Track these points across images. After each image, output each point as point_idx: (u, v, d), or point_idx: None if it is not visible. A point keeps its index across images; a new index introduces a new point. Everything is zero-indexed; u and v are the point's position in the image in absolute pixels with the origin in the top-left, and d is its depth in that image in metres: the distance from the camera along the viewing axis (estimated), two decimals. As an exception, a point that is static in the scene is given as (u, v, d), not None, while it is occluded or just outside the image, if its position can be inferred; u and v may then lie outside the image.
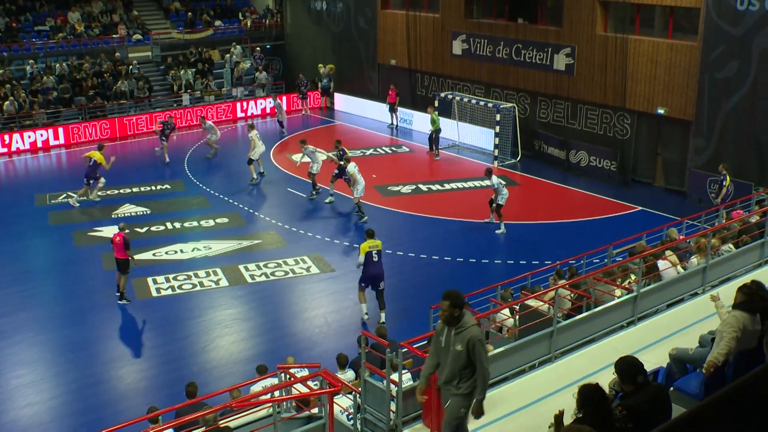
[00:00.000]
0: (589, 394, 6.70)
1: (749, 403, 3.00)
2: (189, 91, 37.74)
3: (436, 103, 32.12)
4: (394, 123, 35.60)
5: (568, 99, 29.39)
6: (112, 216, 24.56)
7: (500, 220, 22.85)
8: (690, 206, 23.90)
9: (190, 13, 42.17)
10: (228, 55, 40.28)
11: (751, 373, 3.21)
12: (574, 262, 17.10)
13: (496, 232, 22.82)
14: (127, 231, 19.40)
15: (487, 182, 23.18)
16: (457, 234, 23.05)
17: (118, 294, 18.96)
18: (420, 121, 34.40)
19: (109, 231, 23.12)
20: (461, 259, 21.19)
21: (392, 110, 35.58)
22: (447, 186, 27.19)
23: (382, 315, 17.69)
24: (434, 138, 30.48)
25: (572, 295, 13.02)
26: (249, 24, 42.69)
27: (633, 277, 13.59)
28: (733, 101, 24.29)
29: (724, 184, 22.48)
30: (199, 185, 27.55)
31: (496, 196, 22.78)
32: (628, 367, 7.30)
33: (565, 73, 29.18)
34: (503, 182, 23.32)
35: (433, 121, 30.33)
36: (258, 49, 41.53)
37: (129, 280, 19.24)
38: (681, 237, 16.49)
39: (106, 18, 40.21)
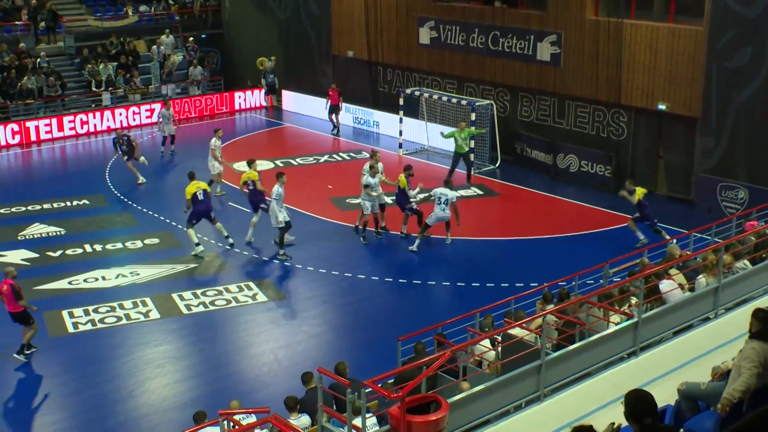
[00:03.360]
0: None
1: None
2: (110, 88, 37.48)
3: (402, 101, 32.21)
4: (337, 128, 35.27)
5: (555, 94, 29.63)
6: (18, 238, 24.25)
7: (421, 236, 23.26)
8: (698, 217, 24.16)
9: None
10: (156, 47, 40.10)
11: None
12: (564, 283, 17.17)
13: (410, 248, 23.17)
14: (15, 276, 18.12)
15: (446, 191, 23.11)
16: (427, 253, 23.08)
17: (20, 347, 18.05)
18: (386, 123, 34.48)
19: (15, 256, 22.92)
20: (433, 282, 21.23)
21: (334, 113, 35.29)
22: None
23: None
24: (467, 161, 28.88)
25: (563, 322, 13.09)
26: (196, 11, 42.60)
27: (633, 300, 13.69)
28: (746, 94, 24.66)
29: (634, 198, 22.58)
30: (124, 200, 27.32)
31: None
32: (636, 402, 7.34)
33: (551, 65, 29.43)
34: (444, 197, 23.12)
35: (465, 139, 28.43)
36: (191, 39, 41.42)
37: (41, 319, 18.90)
38: (685, 252, 16.65)
39: (6, 1, 39.81)
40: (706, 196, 25.48)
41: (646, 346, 12.26)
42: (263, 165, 30.62)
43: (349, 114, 36.25)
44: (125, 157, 28.91)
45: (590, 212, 26.05)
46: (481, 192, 27.97)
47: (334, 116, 35.31)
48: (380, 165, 24.54)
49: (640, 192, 22.73)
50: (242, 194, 25.25)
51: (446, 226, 23.28)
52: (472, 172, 29.01)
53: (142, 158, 29.16)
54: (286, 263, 22.43)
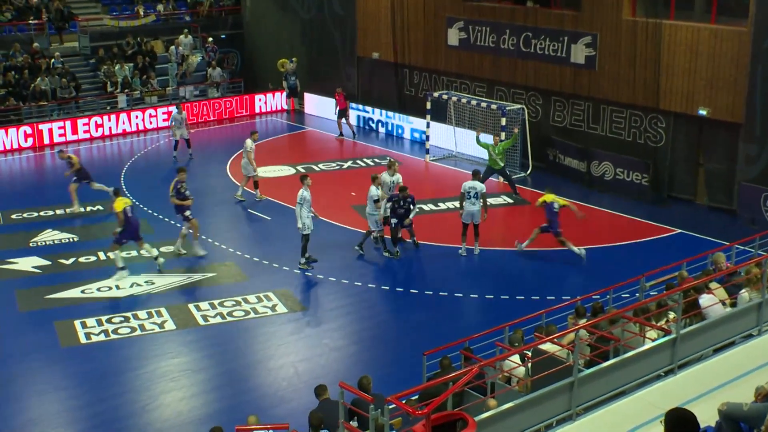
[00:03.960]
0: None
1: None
2: (126, 90, 37.69)
3: (429, 105, 32.18)
4: (352, 132, 35.37)
5: (589, 98, 29.53)
6: (30, 244, 24.39)
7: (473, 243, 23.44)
8: (740, 228, 23.99)
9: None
10: (174, 47, 40.30)
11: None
12: (598, 297, 17.09)
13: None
14: None
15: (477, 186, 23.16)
16: (454, 264, 23.03)
17: None
18: (412, 128, 34.50)
19: (26, 263, 23.06)
20: (460, 295, 21.17)
21: (342, 117, 35.39)
22: (442, 205, 27.21)
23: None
24: (504, 175, 28.35)
25: (596, 337, 13.02)
26: (204, 11, 42.81)
27: (671, 315, 13.59)
28: (793, 99, 24.51)
29: (555, 209, 22.71)
30: (140, 205, 27.38)
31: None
32: (677, 422, 7.26)
33: (585, 67, 29.34)
34: (474, 190, 23.11)
35: (500, 154, 27.75)
36: (211, 39, 41.59)
37: (52, 328, 18.96)
38: (728, 265, 16.54)
39: (20, 0, 40.14)
40: (749, 206, 25.29)
41: (684, 364, 12.17)
42: (285, 170, 30.77)
43: (373, 118, 36.34)
44: (73, 179, 27.33)
45: (626, 222, 25.92)
46: (510, 200, 27.90)
47: (343, 120, 35.37)
48: (398, 176, 24.38)
49: (558, 200, 22.96)
50: (263, 201, 25.51)
51: (475, 234, 23.19)
52: (514, 182, 28.66)
53: (96, 186, 27.74)
54: (307, 273, 22.43)
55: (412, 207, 23.34)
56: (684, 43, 26.69)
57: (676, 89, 27.03)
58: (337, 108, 35.46)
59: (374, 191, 23.28)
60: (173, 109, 33.71)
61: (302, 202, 22.19)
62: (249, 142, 27.88)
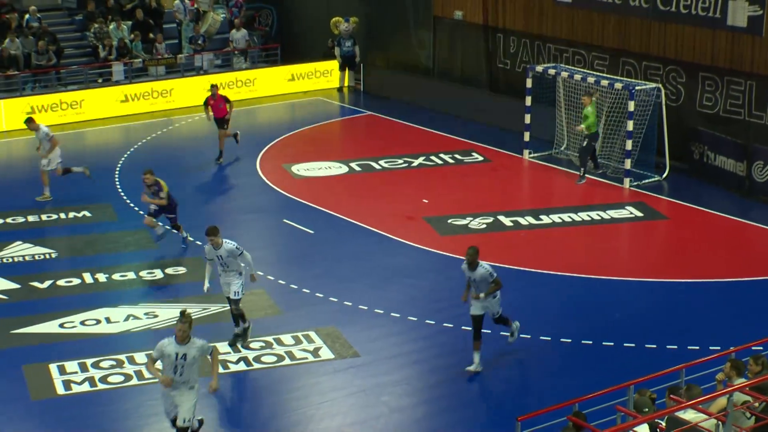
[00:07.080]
0: None
1: None
2: (124, 58, 37.96)
3: (531, 82, 32.12)
4: (220, 151, 32.09)
5: (753, 75, 29.24)
6: (-7, 261, 24.76)
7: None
8: None
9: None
10: (187, 0, 40.54)
11: None
12: (761, 348, 16.88)
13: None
14: None
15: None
16: (560, 297, 22.88)
17: None
18: (505, 113, 34.39)
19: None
20: (568, 340, 21.02)
21: (221, 128, 31.88)
22: (545, 219, 27.08)
23: None
24: (587, 148, 29.84)
25: (762, 405, 12.87)
26: None
27: None
28: None
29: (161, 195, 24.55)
30: (140, 212, 27.62)
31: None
32: None
33: (748, 32, 29.04)
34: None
35: (585, 118, 29.46)
36: (238, -9, 41.93)
37: (21, 373, 19.19)
38: None
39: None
40: None
41: None
42: (335, 168, 30.78)
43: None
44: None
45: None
46: (641, 213, 27.70)
47: (225, 133, 32.08)
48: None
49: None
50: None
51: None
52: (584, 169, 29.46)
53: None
54: (353, 303, 22.40)
55: None
56: None
57: None
58: (211, 115, 31.75)
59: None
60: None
61: (210, 258, 20.67)
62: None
